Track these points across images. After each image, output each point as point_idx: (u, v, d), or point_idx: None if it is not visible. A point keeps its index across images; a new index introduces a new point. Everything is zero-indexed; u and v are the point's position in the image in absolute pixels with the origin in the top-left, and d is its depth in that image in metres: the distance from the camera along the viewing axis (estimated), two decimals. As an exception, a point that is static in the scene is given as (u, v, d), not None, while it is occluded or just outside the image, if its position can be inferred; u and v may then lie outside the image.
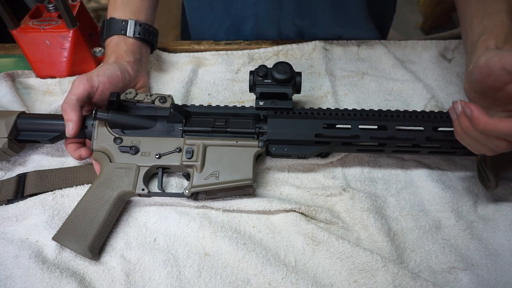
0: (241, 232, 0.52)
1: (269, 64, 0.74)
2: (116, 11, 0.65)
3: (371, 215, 0.53)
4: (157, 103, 0.55)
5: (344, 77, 0.72)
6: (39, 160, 0.60)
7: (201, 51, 0.78)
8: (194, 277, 0.49)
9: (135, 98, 0.56)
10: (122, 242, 0.52)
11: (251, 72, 0.56)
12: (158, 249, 0.51)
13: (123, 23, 0.64)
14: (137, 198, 0.55)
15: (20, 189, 0.55)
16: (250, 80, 0.56)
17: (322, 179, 0.58)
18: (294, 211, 0.53)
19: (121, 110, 0.56)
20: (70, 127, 0.53)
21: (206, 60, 0.76)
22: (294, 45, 0.77)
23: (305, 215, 0.53)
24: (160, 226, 0.53)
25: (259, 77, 0.56)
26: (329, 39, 0.77)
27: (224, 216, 0.54)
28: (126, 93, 0.56)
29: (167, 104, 0.55)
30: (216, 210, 0.54)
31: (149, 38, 0.67)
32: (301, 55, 0.76)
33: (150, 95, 0.56)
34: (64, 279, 0.48)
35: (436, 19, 1.91)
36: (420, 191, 0.57)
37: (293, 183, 0.58)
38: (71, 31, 0.68)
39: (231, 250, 0.50)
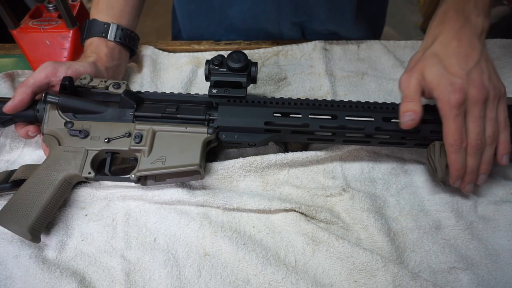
0: (241, 232, 0.52)
1: (269, 64, 0.75)
2: (99, 13, 0.66)
3: (371, 215, 0.53)
4: (111, 89, 0.55)
5: (344, 77, 0.72)
6: (39, 161, 0.60)
7: (201, 51, 0.78)
8: (194, 277, 0.49)
9: (90, 84, 0.55)
10: (122, 242, 0.52)
11: (207, 61, 0.56)
12: (158, 249, 0.51)
13: (105, 26, 0.64)
14: (137, 196, 0.55)
15: (8, 179, 0.55)
16: (205, 69, 0.56)
17: (322, 179, 0.58)
18: (294, 210, 0.53)
19: (75, 95, 0.55)
20: (9, 103, 0.54)
21: (206, 60, 0.76)
22: (294, 45, 0.77)
23: (305, 215, 0.53)
24: (160, 226, 0.53)
25: (214, 66, 0.56)
26: (329, 39, 0.77)
27: (224, 216, 0.54)
28: (81, 79, 0.56)
29: (121, 90, 0.55)
30: (216, 210, 0.54)
31: (130, 43, 0.67)
32: (301, 55, 0.76)
33: (105, 81, 0.56)
34: (64, 279, 0.48)
35: (436, 19, 1.91)
36: (420, 191, 0.57)
37: (293, 183, 0.58)
38: (71, 31, 0.68)
39: (231, 250, 0.50)
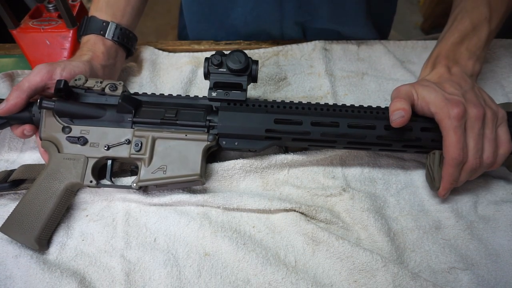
0: (241, 232, 0.52)
1: (269, 64, 0.74)
2: (98, 11, 0.65)
3: (371, 215, 0.53)
4: (107, 90, 0.54)
5: (344, 77, 0.72)
6: (39, 161, 0.60)
7: (201, 51, 0.78)
8: (194, 277, 0.49)
9: (85, 85, 0.54)
10: (122, 242, 0.52)
11: (206, 58, 0.55)
12: (158, 249, 0.51)
13: (104, 24, 0.64)
14: (137, 198, 0.55)
15: (7, 178, 0.54)
16: (204, 67, 0.55)
17: (322, 179, 0.58)
18: (294, 210, 0.53)
19: (71, 98, 0.54)
20: (2, 105, 0.53)
21: (206, 60, 0.76)
22: (294, 45, 0.77)
23: (305, 215, 0.53)
24: (160, 226, 0.53)
25: (214, 66, 0.54)
26: (329, 38, 0.77)
27: (224, 216, 0.54)
28: (76, 79, 0.54)
29: (118, 92, 0.54)
30: (216, 210, 0.54)
31: (127, 43, 0.67)
32: (301, 55, 0.76)
33: (101, 82, 0.54)
34: (65, 279, 0.48)
35: (436, 19, 1.91)
36: (420, 191, 0.57)
37: (293, 183, 0.58)
38: (71, 31, 0.68)
39: (231, 250, 0.50)
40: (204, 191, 0.56)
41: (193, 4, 0.78)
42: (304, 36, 0.81)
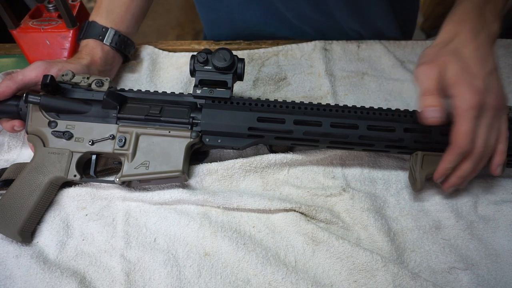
0: (241, 232, 0.52)
1: (269, 64, 0.75)
2: (99, 16, 0.66)
3: (371, 215, 0.53)
4: (93, 86, 0.54)
5: (344, 77, 0.72)
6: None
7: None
8: (194, 277, 0.49)
9: (72, 81, 0.55)
10: (122, 242, 0.52)
11: (192, 56, 0.55)
12: (158, 249, 0.51)
13: (103, 29, 0.65)
14: (137, 197, 0.55)
15: None
16: (190, 64, 0.55)
17: (322, 179, 0.58)
18: (294, 210, 0.53)
19: (58, 93, 0.55)
20: None
21: (206, 60, 0.76)
22: (294, 45, 0.77)
23: (305, 215, 0.53)
24: (160, 226, 0.53)
25: (199, 63, 0.55)
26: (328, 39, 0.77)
27: (224, 216, 0.54)
28: (63, 75, 0.55)
29: (104, 88, 0.54)
30: (216, 210, 0.54)
31: (125, 50, 0.68)
32: (301, 55, 0.76)
33: (87, 78, 0.55)
34: (65, 279, 0.48)
35: (436, 19, 1.91)
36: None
37: (293, 183, 0.58)
38: (71, 31, 0.68)
39: (231, 250, 0.50)
40: (204, 190, 0.56)
41: (212, 13, 0.79)
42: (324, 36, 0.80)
